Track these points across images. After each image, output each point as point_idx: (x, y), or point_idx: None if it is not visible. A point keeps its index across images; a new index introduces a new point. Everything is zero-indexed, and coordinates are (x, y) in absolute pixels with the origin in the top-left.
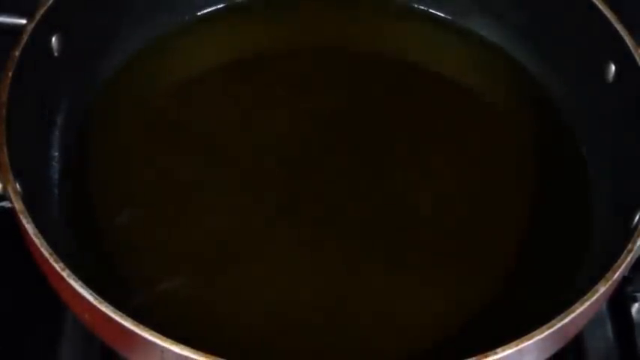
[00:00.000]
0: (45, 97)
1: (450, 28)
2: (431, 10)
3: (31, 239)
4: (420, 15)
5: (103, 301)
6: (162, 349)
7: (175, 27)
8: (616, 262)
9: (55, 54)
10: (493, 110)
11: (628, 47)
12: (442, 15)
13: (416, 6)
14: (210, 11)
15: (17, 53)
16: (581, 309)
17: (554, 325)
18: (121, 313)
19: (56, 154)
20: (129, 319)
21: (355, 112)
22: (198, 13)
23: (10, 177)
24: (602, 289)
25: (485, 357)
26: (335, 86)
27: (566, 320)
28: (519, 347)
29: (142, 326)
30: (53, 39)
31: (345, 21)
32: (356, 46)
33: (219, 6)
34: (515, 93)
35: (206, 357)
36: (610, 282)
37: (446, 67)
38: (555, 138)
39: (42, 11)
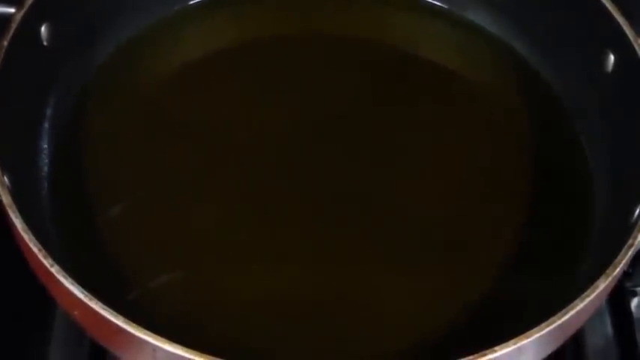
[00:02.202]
0: (34, 87)
1: (448, 18)
2: (429, 0)
3: (20, 234)
4: (418, 5)
5: (92, 297)
6: (155, 348)
7: (167, 15)
8: (616, 257)
9: (45, 43)
10: (491, 101)
11: (627, 37)
12: (440, 5)
13: None
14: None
15: (6, 43)
16: (581, 305)
17: (554, 322)
18: (111, 311)
19: (45, 145)
20: (120, 316)
21: (352, 103)
22: (191, 2)
23: None
24: (602, 285)
25: (484, 355)
26: (331, 76)
27: (566, 317)
28: (518, 345)
29: (133, 324)
30: (43, 28)
31: (342, 10)
32: (353, 36)
33: None
34: (515, 84)
35: (199, 356)
36: (610, 278)
37: (443, 58)
38: (555, 131)
39: None
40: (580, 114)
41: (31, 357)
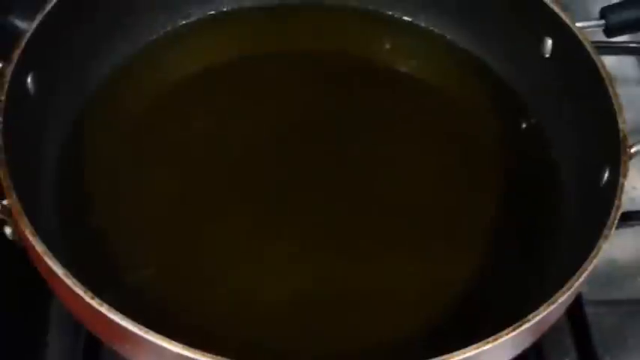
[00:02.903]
0: (33, 120)
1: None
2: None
3: (27, 238)
4: (397, 22)
5: (94, 296)
6: (142, 339)
7: (160, 36)
8: (578, 269)
9: (32, 88)
10: (460, 108)
11: (565, 23)
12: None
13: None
14: (196, 20)
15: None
16: (539, 317)
17: (520, 326)
18: (108, 306)
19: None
20: (114, 310)
21: (335, 113)
22: (184, 22)
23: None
24: (562, 298)
25: (452, 357)
26: (311, 90)
27: (522, 328)
28: (480, 350)
29: (120, 315)
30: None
31: (331, 28)
32: (333, 51)
33: (204, 14)
34: (478, 88)
35: (198, 353)
36: (572, 289)
37: (401, 64)
38: (521, 132)
39: (18, 52)
40: (536, 102)
41: (29, 346)
